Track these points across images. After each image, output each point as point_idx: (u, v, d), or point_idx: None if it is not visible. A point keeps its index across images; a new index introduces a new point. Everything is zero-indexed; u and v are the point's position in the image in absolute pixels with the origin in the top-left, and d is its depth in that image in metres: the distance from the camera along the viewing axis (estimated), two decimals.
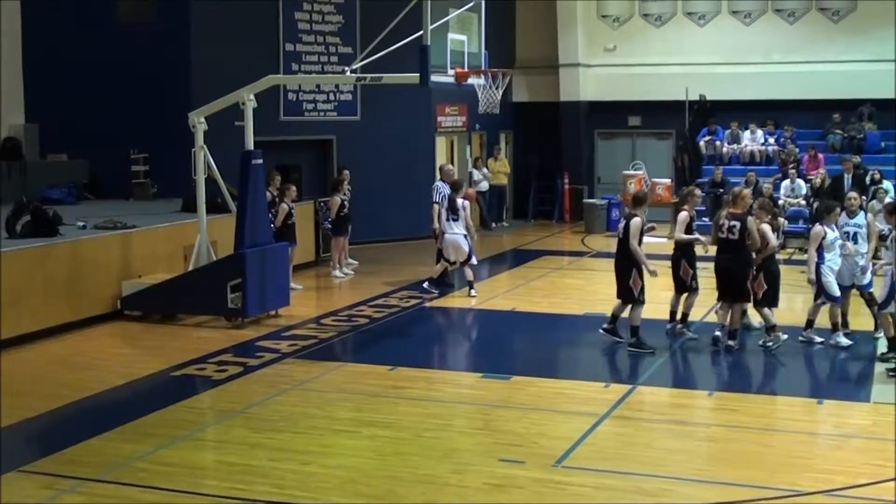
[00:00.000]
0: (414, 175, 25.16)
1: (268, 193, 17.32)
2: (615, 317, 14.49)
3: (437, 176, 20.72)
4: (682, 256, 14.75)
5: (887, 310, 13.24)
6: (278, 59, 22.93)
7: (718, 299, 14.38)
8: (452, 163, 27.76)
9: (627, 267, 14.13)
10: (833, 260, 13.96)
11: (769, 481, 9.16)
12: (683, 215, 14.71)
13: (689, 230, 14.73)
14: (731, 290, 14.00)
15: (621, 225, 14.44)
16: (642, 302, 14.18)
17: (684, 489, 9.00)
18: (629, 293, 14.13)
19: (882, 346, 13.69)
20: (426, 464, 9.66)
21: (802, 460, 9.84)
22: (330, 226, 20.30)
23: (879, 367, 13.14)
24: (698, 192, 15.95)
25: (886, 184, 22.72)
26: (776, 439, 10.66)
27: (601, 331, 14.50)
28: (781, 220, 19.16)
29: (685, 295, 14.85)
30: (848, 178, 23.50)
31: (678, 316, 14.92)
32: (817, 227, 14.10)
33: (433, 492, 8.95)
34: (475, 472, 9.44)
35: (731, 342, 13.95)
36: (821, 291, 14.03)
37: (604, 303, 15.93)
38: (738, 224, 13.72)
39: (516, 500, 8.79)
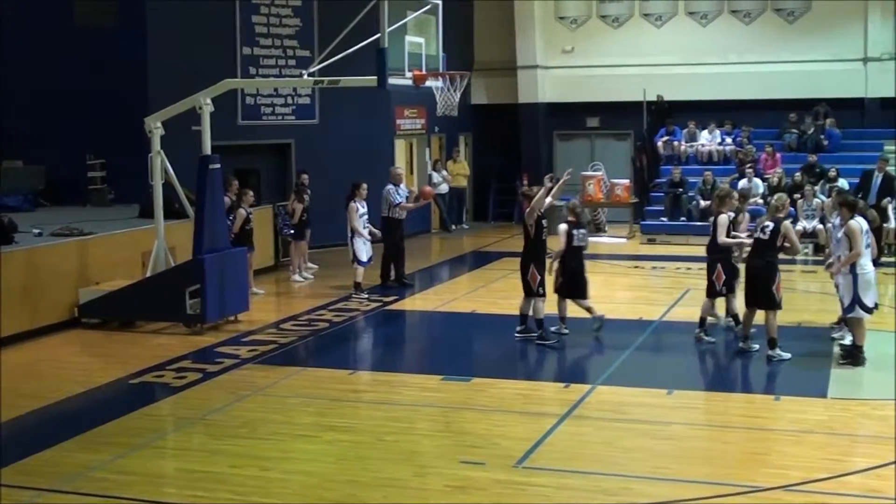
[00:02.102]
0: (373, 178, 25.07)
1: (226, 199, 17.25)
2: (524, 316, 14.77)
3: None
4: (720, 261, 14.49)
5: (853, 314, 13.30)
6: (236, 63, 22.86)
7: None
8: (412, 165, 27.86)
9: (526, 263, 14.48)
10: None
11: (728, 478, 9.24)
12: (723, 218, 14.35)
13: (729, 234, 14.49)
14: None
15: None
16: (542, 295, 14.46)
17: (644, 487, 9.04)
18: (528, 287, 14.43)
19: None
20: (387, 467, 9.66)
21: (760, 456, 9.93)
22: (292, 231, 20.25)
23: (836, 364, 13.26)
24: (736, 193, 15.64)
25: (842, 181, 22.93)
26: (734, 436, 10.73)
27: (516, 335, 14.66)
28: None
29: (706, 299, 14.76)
30: (878, 178, 22.83)
31: (737, 320, 14.80)
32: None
33: (395, 495, 8.94)
34: (436, 474, 9.46)
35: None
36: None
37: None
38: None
39: (477, 501, 8.79)
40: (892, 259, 22.06)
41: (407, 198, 19.95)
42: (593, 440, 10.50)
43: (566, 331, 14.90)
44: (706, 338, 14.58)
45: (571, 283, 14.88)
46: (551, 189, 14.70)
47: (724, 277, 14.40)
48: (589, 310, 14.96)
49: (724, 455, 10.03)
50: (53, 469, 9.69)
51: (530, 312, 14.63)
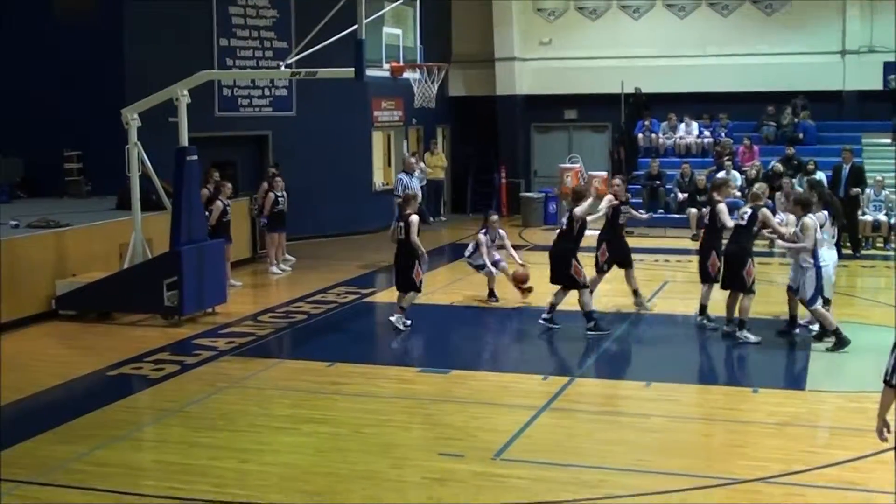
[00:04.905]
0: (351, 170, 25.13)
1: (204, 191, 17.17)
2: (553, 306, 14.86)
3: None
4: (714, 248, 14.57)
5: (816, 304, 13.45)
6: (212, 55, 22.78)
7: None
8: (389, 157, 27.83)
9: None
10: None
11: (706, 470, 9.26)
12: (723, 206, 14.51)
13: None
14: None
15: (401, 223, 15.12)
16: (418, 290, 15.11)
17: (622, 479, 9.05)
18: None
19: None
20: (365, 459, 9.64)
21: (739, 448, 9.95)
22: (266, 221, 20.19)
23: (815, 356, 13.33)
24: (731, 181, 15.93)
25: (819, 174, 23.01)
26: (713, 428, 10.78)
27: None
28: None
29: (707, 287, 14.82)
30: (846, 170, 22.70)
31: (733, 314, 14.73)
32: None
33: (373, 487, 8.94)
34: (414, 466, 9.45)
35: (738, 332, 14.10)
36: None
37: (541, 296, 16.00)
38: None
39: (456, 493, 8.79)
40: (871, 252, 22.22)
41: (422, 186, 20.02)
42: (572, 432, 10.52)
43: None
44: (709, 324, 14.66)
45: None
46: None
47: (718, 264, 14.44)
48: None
49: (703, 447, 10.08)
50: (30, 461, 9.64)
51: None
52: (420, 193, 19.50)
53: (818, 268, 13.34)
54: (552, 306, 14.86)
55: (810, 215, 13.58)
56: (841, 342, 13.45)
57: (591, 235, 15.61)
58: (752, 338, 13.83)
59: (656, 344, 14.40)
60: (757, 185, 14.63)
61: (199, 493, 8.81)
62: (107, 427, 10.73)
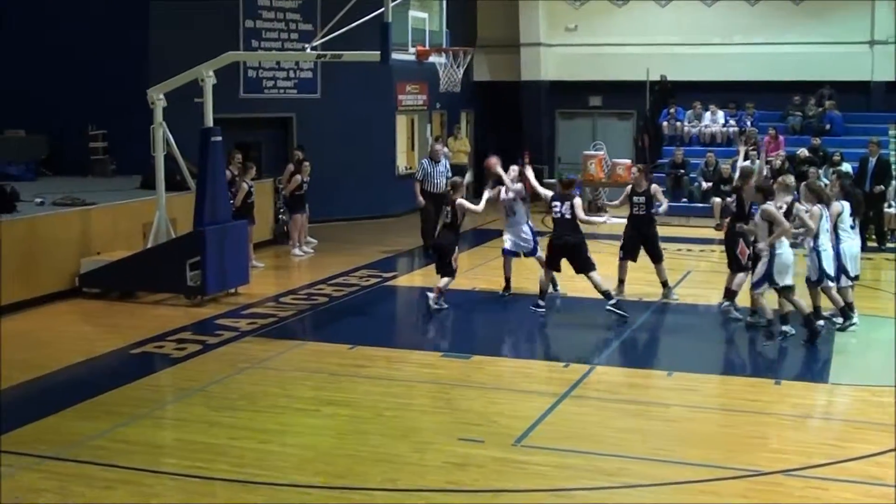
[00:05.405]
0: (374, 154, 25.12)
1: (228, 172, 17.21)
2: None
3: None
4: (742, 235, 14.47)
5: (760, 289, 13.48)
6: (238, 36, 22.78)
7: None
8: (413, 141, 27.82)
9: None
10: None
11: (726, 461, 9.22)
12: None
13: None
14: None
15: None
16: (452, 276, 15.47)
17: (642, 468, 9.03)
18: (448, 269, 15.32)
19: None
20: (386, 443, 9.66)
21: (759, 440, 9.91)
22: (285, 206, 20.36)
23: (838, 348, 13.27)
24: (757, 171, 15.81)
25: (846, 166, 22.86)
26: (734, 419, 10.71)
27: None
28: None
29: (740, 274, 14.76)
30: (872, 162, 22.43)
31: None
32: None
33: (393, 470, 8.94)
34: (435, 450, 9.45)
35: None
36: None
37: (563, 281, 16.00)
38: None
39: (475, 478, 8.79)
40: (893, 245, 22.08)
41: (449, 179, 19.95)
42: (592, 420, 10.49)
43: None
44: (734, 313, 14.56)
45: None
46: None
47: (747, 251, 14.37)
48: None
49: (724, 438, 10.02)
50: (53, 436, 9.70)
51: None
52: (444, 182, 19.57)
53: (774, 255, 13.27)
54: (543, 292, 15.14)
55: (818, 205, 13.73)
56: (771, 334, 13.48)
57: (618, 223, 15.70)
58: (737, 314, 14.01)
59: (678, 333, 14.37)
60: (783, 178, 14.55)
61: (219, 472, 8.84)
62: (129, 405, 10.78)
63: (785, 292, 13.35)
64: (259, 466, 9.00)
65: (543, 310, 15.04)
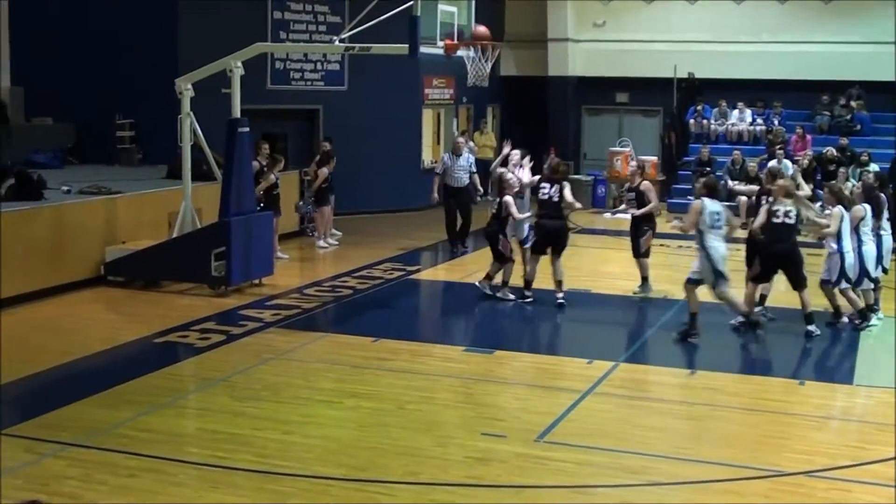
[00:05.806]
0: (400, 147, 25.11)
1: (255, 163, 17.24)
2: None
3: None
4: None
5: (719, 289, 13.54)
6: (266, 27, 22.79)
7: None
8: (439, 136, 27.79)
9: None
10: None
11: (749, 461, 9.20)
12: None
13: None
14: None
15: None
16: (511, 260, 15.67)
17: (665, 467, 9.01)
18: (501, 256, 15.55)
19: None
20: (408, 436, 9.66)
21: (783, 441, 9.87)
22: (300, 203, 20.48)
23: (863, 349, 13.20)
24: (784, 171, 15.87)
25: (873, 166, 22.74)
26: (758, 419, 10.66)
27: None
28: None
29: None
30: None
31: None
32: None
33: (415, 464, 8.95)
34: (457, 445, 9.45)
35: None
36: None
37: (589, 279, 15.99)
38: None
39: (497, 473, 8.79)
40: None
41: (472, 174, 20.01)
42: (615, 417, 10.48)
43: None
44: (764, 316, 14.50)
45: None
46: None
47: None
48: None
49: (748, 438, 9.98)
50: (76, 424, 9.74)
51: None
52: (465, 176, 19.58)
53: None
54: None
55: (840, 206, 13.79)
56: (753, 325, 13.64)
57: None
58: (817, 331, 13.62)
59: (702, 332, 14.31)
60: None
61: (241, 462, 8.86)
62: (152, 393, 10.82)
63: (690, 286, 13.54)
64: (281, 457, 9.02)
65: (531, 299, 15.28)
